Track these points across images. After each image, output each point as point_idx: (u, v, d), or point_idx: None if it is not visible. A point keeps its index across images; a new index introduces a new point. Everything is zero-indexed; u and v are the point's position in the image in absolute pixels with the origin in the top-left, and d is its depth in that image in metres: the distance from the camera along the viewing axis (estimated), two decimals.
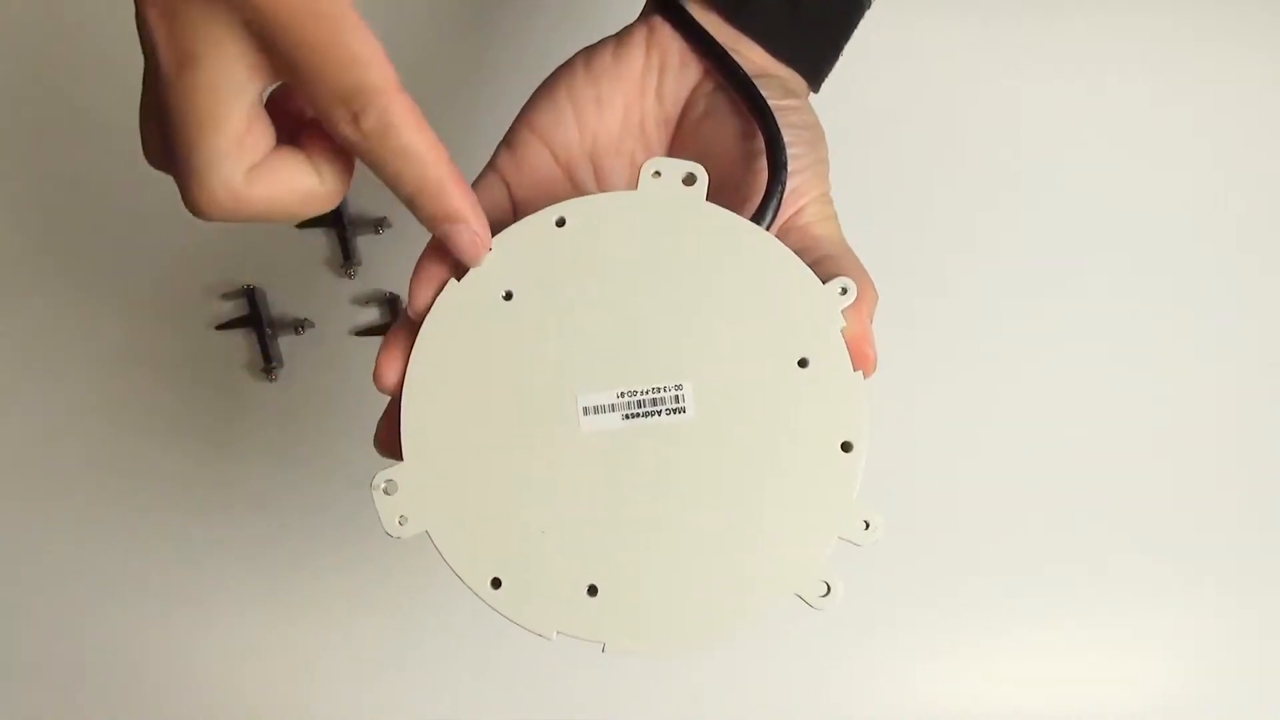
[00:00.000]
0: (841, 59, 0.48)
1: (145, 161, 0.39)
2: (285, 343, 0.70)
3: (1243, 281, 0.70)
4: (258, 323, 0.69)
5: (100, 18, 0.70)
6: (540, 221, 0.40)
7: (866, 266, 0.42)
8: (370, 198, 0.69)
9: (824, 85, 0.48)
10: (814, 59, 0.46)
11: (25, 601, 0.70)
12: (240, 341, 0.71)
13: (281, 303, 0.70)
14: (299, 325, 0.70)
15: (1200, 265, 0.70)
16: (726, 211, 0.40)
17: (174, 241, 0.70)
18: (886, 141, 0.69)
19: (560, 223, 0.40)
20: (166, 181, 0.38)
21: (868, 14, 0.48)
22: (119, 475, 0.70)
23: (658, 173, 0.40)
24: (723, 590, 0.39)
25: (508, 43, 0.69)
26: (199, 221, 0.62)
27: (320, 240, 0.70)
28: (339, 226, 0.69)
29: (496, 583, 0.39)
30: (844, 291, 0.40)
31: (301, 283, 0.70)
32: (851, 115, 0.65)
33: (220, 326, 0.70)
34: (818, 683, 0.68)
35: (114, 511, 0.70)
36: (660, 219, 0.40)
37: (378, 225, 0.69)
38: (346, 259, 0.69)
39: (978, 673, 0.68)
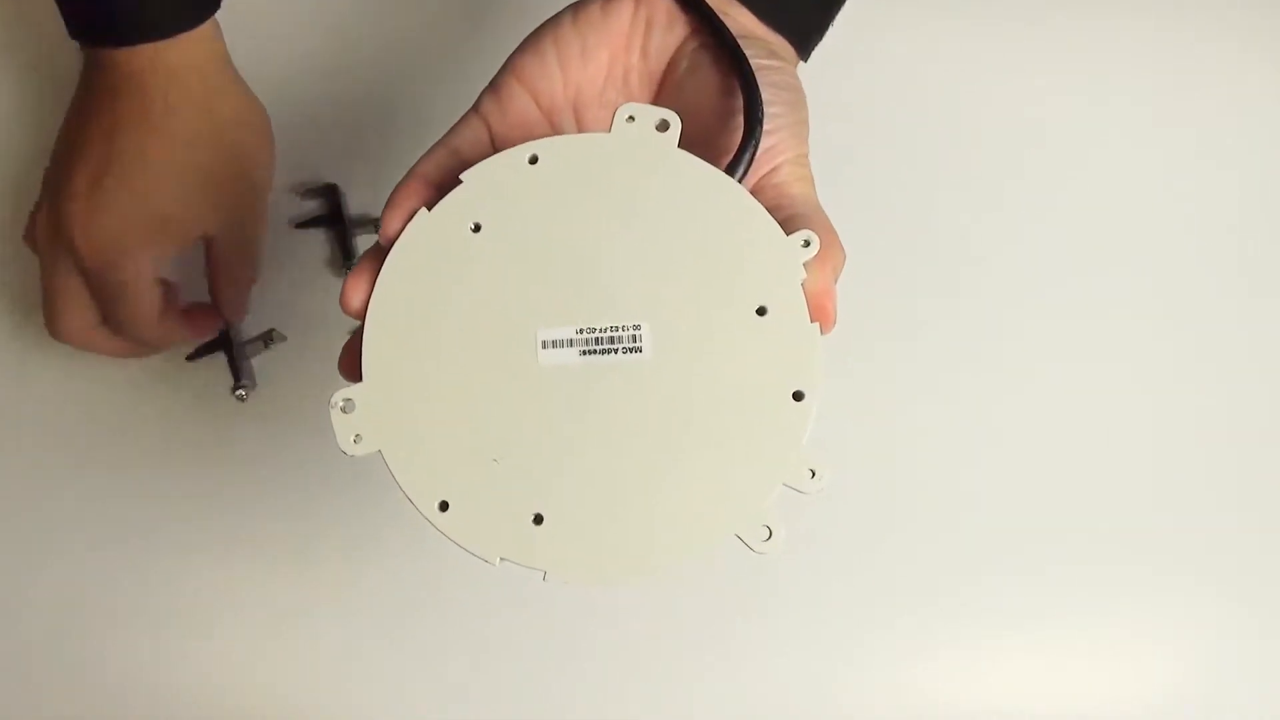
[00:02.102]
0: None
1: None
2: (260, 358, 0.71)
3: (1245, 284, 0.70)
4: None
5: None
6: (513, 157, 0.41)
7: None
8: (370, 198, 0.71)
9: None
10: (802, 26, 0.47)
11: (9, 608, 0.69)
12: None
13: (281, 302, 0.71)
14: (267, 338, 0.70)
15: (1203, 268, 0.70)
16: (697, 159, 0.41)
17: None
18: (890, 145, 0.70)
19: (533, 160, 0.41)
20: None
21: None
22: (117, 474, 0.70)
23: (631, 117, 0.41)
24: (665, 527, 0.39)
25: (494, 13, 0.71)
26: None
27: (320, 240, 0.71)
28: (339, 227, 0.70)
29: (444, 506, 0.39)
30: (806, 244, 0.40)
31: (301, 282, 0.71)
32: (856, 119, 0.67)
33: None
34: (817, 682, 0.67)
35: (112, 512, 0.70)
36: (631, 162, 0.41)
37: (377, 225, 0.70)
38: (346, 259, 0.70)
39: (977, 673, 0.68)
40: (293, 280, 0.71)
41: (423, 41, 0.73)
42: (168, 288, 0.64)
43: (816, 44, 0.49)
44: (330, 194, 0.71)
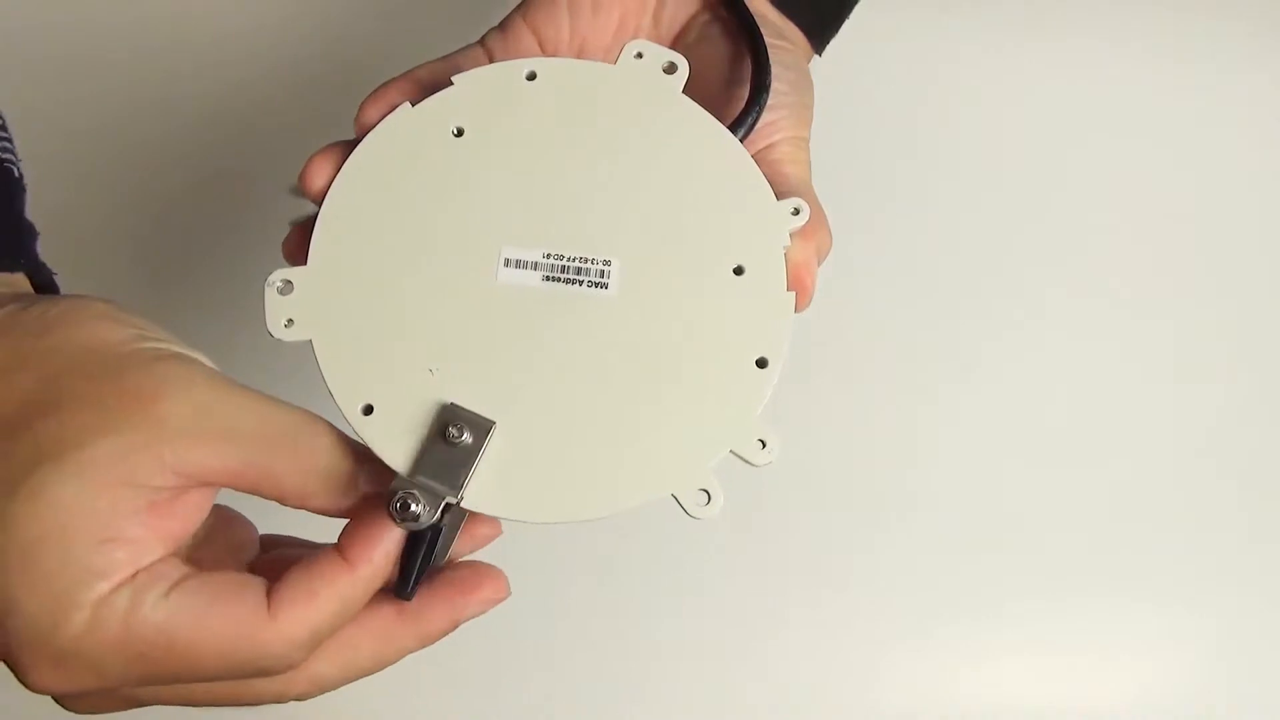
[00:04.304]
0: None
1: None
2: None
3: (1243, 282, 0.71)
4: None
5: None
6: (511, 69, 0.40)
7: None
8: None
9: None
10: (817, 15, 0.46)
11: None
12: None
13: None
14: None
15: (1205, 270, 0.71)
16: (699, 108, 0.40)
17: (165, 243, 0.70)
18: (884, 142, 0.70)
19: (531, 76, 0.40)
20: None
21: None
22: None
23: (640, 54, 0.40)
24: (599, 474, 0.36)
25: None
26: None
27: None
28: None
29: (369, 410, 0.37)
30: (796, 213, 0.39)
31: None
32: (851, 118, 0.66)
33: None
34: (818, 681, 0.66)
35: None
36: (632, 97, 0.39)
37: None
38: None
39: (977, 672, 0.67)
40: None
41: (424, 42, 0.72)
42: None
43: (831, 37, 0.47)
44: None
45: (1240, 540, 0.68)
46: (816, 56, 0.47)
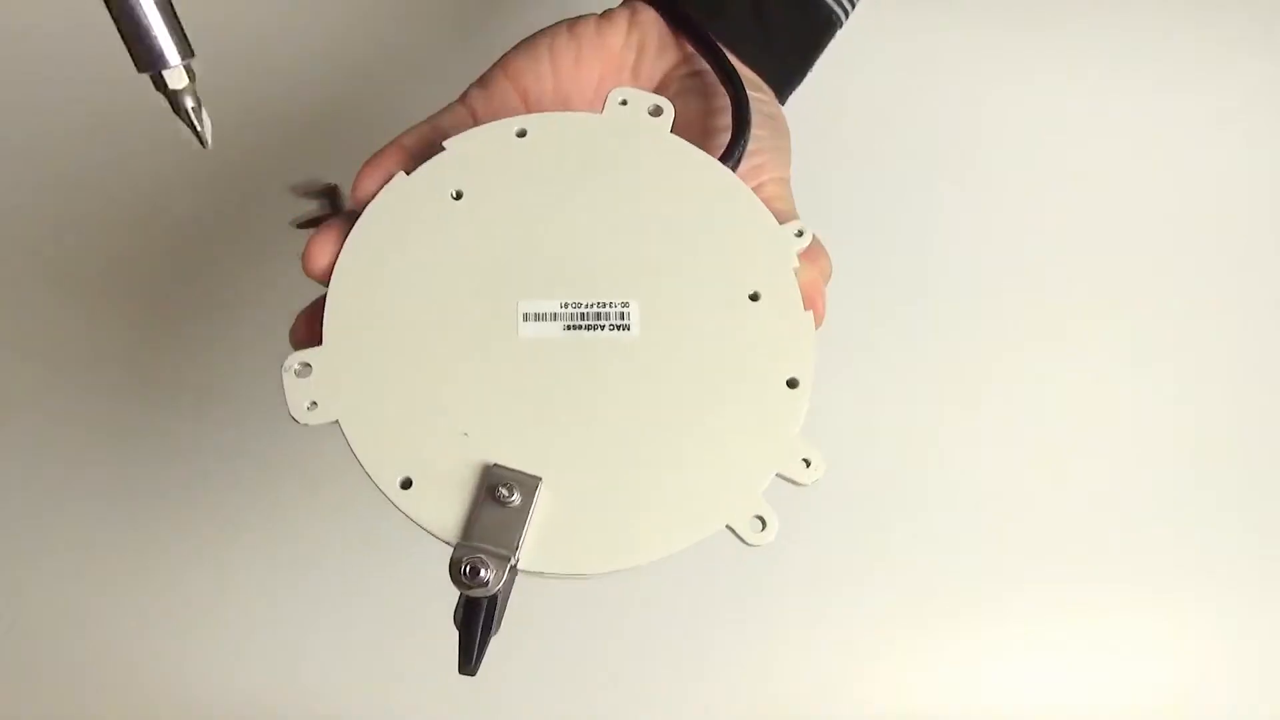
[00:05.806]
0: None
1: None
2: None
3: (1241, 282, 0.71)
4: None
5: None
6: (501, 129, 0.40)
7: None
8: None
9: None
10: (783, 70, 0.47)
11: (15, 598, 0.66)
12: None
13: (282, 301, 0.69)
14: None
15: (1208, 272, 0.72)
16: (690, 145, 0.40)
17: (173, 247, 0.70)
18: (881, 144, 0.71)
19: (521, 133, 0.40)
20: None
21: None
22: (115, 476, 0.68)
23: (624, 101, 0.40)
24: (650, 516, 0.36)
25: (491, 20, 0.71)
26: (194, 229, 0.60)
27: None
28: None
29: (407, 484, 0.36)
30: (799, 234, 0.39)
31: (303, 281, 0.69)
32: (850, 119, 0.67)
33: None
34: (818, 681, 0.66)
35: (112, 513, 0.67)
36: (623, 142, 0.40)
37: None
38: None
39: (978, 674, 0.67)
40: (293, 280, 0.69)
41: (423, 44, 0.73)
42: None
43: (794, 89, 0.49)
44: (330, 194, 0.68)
45: (1242, 542, 0.69)
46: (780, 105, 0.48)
